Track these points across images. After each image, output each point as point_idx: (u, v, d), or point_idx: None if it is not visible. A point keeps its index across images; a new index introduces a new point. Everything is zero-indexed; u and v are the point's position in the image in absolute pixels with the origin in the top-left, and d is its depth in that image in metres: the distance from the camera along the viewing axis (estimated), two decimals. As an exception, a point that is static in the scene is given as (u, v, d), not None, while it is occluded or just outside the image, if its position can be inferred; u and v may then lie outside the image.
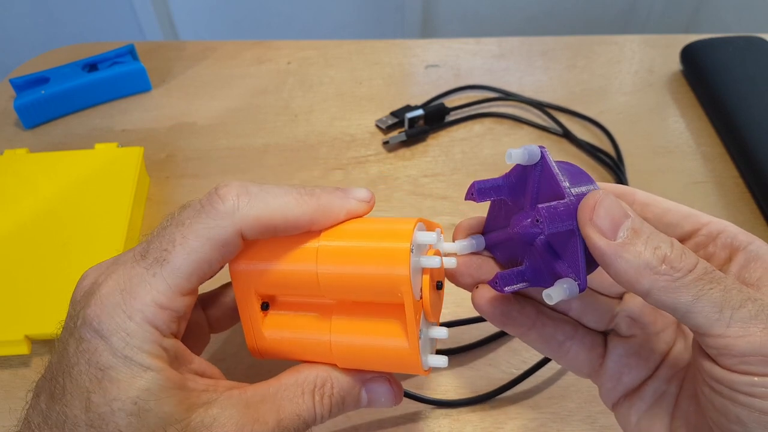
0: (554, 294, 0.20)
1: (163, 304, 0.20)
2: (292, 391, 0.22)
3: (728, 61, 0.52)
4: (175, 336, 0.22)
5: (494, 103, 0.52)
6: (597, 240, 0.19)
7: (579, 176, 0.22)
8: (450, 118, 0.51)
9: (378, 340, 0.23)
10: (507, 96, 0.53)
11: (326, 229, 0.23)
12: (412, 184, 0.46)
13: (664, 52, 0.58)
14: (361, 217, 0.24)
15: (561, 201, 0.20)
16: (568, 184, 0.21)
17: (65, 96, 0.51)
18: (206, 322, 0.27)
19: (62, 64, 0.53)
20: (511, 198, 0.23)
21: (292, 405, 0.22)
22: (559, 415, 0.33)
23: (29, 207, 0.41)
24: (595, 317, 0.25)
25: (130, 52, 0.54)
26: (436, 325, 0.26)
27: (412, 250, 0.22)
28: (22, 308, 0.36)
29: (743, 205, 0.44)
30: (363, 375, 0.24)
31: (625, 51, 0.58)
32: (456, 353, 0.35)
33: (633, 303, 0.24)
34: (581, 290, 0.20)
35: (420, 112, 0.49)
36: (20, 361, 0.35)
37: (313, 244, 0.23)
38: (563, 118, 0.51)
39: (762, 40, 0.54)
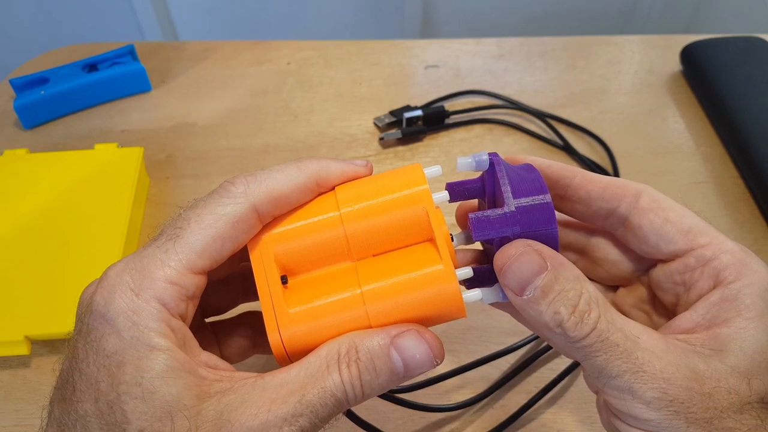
0: (485, 296, 0.22)
1: (172, 279, 0.20)
2: (316, 367, 0.20)
3: (728, 62, 0.52)
4: (183, 319, 0.21)
5: (494, 110, 0.52)
6: (507, 291, 0.21)
7: (531, 184, 0.22)
8: (449, 121, 0.51)
9: (410, 274, 0.21)
10: (508, 104, 0.52)
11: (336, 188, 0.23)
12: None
13: (663, 53, 0.58)
14: (361, 176, 0.24)
15: (497, 210, 0.22)
16: (510, 195, 0.22)
17: (65, 96, 0.51)
18: (218, 353, 0.26)
19: (62, 65, 0.53)
20: (485, 200, 0.24)
21: (317, 381, 0.20)
22: (559, 415, 0.33)
23: (29, 207, 0.41)
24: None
25: (130, 53, 0.54)
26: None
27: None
28: (22, 309, 0.36)
29: (743, 205, 0.44)
30: (389, 330, 0.21)
31: (625, 51, 0.58)
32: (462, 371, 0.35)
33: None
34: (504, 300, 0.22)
35: (419, 112, 0.49)
36: (20, 362, 0.35)
37: (331, 200, 0.23)
38: (563, 127, 0.51)
39: (762, 40, 0.54)
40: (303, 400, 0.19)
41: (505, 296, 0.22)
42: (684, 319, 0.22)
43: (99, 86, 0.52)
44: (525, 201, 0.21)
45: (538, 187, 0.22)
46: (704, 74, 0.52)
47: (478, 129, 0.50)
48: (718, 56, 0.52)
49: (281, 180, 0.22)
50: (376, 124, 0.51)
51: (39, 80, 0.51)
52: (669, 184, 0.46)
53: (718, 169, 0.47)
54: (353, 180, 0.24)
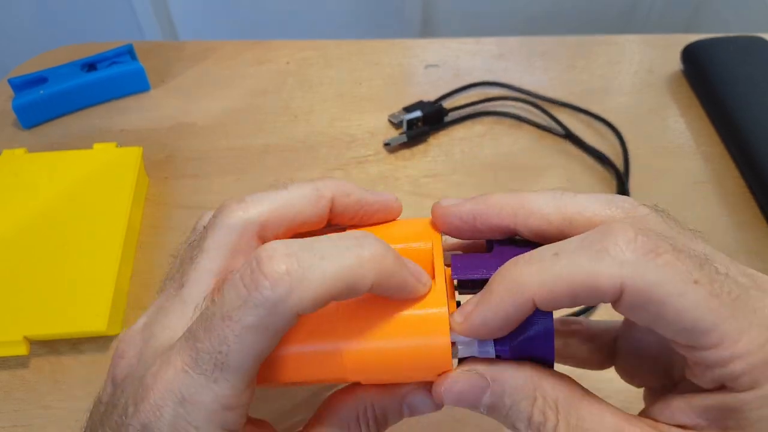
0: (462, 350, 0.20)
1: (231, 406, 0.18)
2: (338, 430, 0.21)
3: (729, 61, 0.52)
4: (245, 423, 0.19)
5: (495, 102, 0.52)
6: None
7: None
8: (449, 118, 0.51)
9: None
10: (509, 90, 0.52)
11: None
12: (412, 185, 0.46)
13: (664, 52, 0.57)
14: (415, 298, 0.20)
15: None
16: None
17: (64, 96, 0.51)
18: None
19: (61, 64, 0.53)
20: None
21: None
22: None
23: (28, 207, 0.41)
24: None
25: (129, 52, 0.54)
26: None
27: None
28: (21, 309, 0.35)
29: (744, 205, 0.44)
30: (401, 390, 0.21)
31: (625, 51, 0.58)
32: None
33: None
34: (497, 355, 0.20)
35: (418, 113, 0.49)
36: (18, 362, 0.35)
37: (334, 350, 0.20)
38: (565, 116, 0.51)
39: (763, 40, 0.54)
40: None
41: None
42: (677, 410, 0.18)
43: (98, 86, 0.52)
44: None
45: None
46: (705, 74, 0.52)
47: (478, 129, 0.50)
48: (719, 56, 0.52)
49: (334, 277, 0.17)
50: (390, 121, 0.51)
51: (38, 80, 0.51)
52: (669, 184, 0.46)
53: (718, 168, 0.47)
54: (369, 205, 0.22)
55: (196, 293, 0.20)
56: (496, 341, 0.19)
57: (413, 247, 0.22)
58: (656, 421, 0.18)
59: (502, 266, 0.19)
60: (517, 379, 0.19)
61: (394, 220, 0.23)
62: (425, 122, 0.50)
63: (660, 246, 0.17)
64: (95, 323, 0.35)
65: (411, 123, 0.49)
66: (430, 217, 0.23)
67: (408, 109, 0.50)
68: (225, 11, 1.15)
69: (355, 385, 0.22)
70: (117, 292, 0.37)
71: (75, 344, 0.36)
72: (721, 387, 0.17)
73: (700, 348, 0.17)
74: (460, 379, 0.19)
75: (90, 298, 0.36)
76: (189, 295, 0.20)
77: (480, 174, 0.47)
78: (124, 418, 0.18)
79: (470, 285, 0.21)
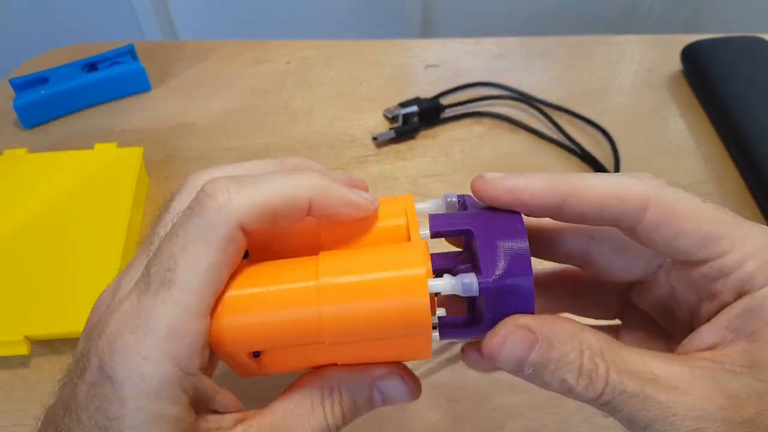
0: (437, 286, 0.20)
1: (180, 332, 0.18)
2: (301, 409, 0.20)
3: (729, 61, 0.52)
4: (203, 368, 0.19)
5: (493, 101, 0.52)
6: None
7: (510, 231, 0.20)
8: (445, 115, 0.51)
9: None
10: (509, 93, 0.53)
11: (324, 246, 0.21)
12: (412, 185, 0.46)
13: (664, 52, 0.57)
14: (364, 215, 0.21)
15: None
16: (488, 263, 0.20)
17: (65, 96, 0.51)
18: None
19: (62, 64, 0.53)
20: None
21: (303, 425, 0.20)
22: (559, 415, 0.33)
23: (29, 207, 0.41)
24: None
25: (130, 52, 0.54)
26: None
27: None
28: (22, 308, 0.36)
29: (744, 205, 0.44)
30: (372, 372, 0.21)
31: (625, 51, 0.58)
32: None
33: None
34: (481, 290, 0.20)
35: (414, 108, 0.49)
36: (19, 362, 0.35)
37: (310, 282, 0.20)
38: (563, 119, 0.51)
39: (763, 40, 0.54)
40: None
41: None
42: (705, 334, 0.19)
43: (99, 86, 0.52)
44: (502, 259, 0.20)
45: (517, 232, 0.20)
46: (705, 74, 0.52)
47: (478, 129, 0.50)
48: (719, 56, 0.52)
49: (270, 191, 0.19)
50: (385, 116, 0.51)
51: (39, 80, 0.51)
52: (669, 184, 0.46)
53: (718, 168, 0.47)
54: (349, 205, 0.21)
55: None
56: (479, 276, 0.20)
57: (387, 225, 0.22)
58: (689, 353, 0.19)
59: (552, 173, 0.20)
60: (563, 332, 0.19)
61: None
62: (421, 119, 0.50)
63: (676, 183, 0.20)
64: (96, 323, 0.35)
65: (406, 118, 0.49)
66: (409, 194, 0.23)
67: (403, 105, 0.50)
68: (225, 11, 1.14)
69: (327, 367, 0.22)
70: (118, 292, 0.37)
71: (76, 344, 0.36)
72: (740, 295, 0.19)
73: (717, 256, 0.19)
74: (509, 335, 0.19)
75: (91, 298, 0.36)
76: (154, 245, 0.21)
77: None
78: (85, 360, 0.19)
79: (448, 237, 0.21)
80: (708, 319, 0.20)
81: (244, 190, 0.19)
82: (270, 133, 0.50)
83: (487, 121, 0.51)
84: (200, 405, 0.20)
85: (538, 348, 0.19)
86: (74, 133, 0.50)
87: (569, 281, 0.26)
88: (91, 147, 0.45)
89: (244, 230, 0.19)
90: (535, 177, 0.20)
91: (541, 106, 0.51)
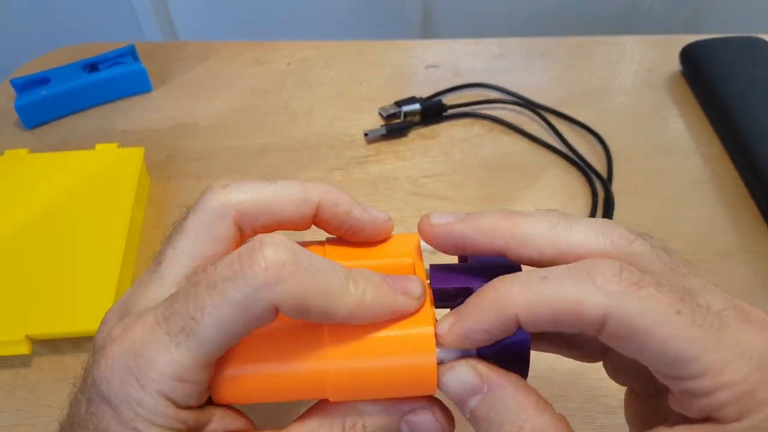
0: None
1: (184, 378, 0.18)
2: None
3: (728, 62, 0.52)
4: (197, 405, 0.19)
5: (492, 104, 0.52)
6: None
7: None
8: (447, 114, 0.51)
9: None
10: (507, 96, 0.53)
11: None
12: (412, 185, 0.46)
13: (663, 53, 0.58)
14: (406, 316, 0.20)
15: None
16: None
17: (66, 96, 0.51)
18: None
19: (63, 65, 0.53)
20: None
21: None
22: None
23: (30, 207, 0.41)
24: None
25: (131, 53, 0.54)
26: None
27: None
28: (23, 308, 0.36)
29: (743, 205, 0.44)
30: (401, 407, 0.20)
31: (625, 51, 0.58)
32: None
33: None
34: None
35: (417, 106, 0.50)
36: (21, 361, 0.36)
37: (319, 363, 0.19)
38: (561, 123, 0.51)
39: (762, 40, 0.54)
40: None
41: None
42: None
43: (100, 86, 0.52)
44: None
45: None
46: (704, 74, 0.52)
47: (478, 129, 0.50)
48: (718, 56, 0.52)
49: (319, 291, 0.18)
50: (380, 114, 0.51)
51: (40, 80, 0.51)
52: (669, 184, 0.46)
53: (717, 169, 0.47)
54: (358, 219, 0.21)
55: (173, 270, 0.20)
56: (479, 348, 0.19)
57: (394, 263, 0.21)
58: None
59: (488, 283, 0.19)
60: (512, 400, 0.18)
61: (382, 238, 0.22)
62: (423, 117, 0.50)
63: (643, 279, 0.17)
64: (98, 323, 0.34)
65: (407, 115, 0.50)
66: (416, 232, 0.22)
67: (400, 103, 0.51)
68: (225, 11, 1.14)
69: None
70: (119, 292, 0.37)
71: (77, 343, 0.36)
72: (707, 418, 0.17)
73: (685, 378, 0.17)
74: (459, 372, 0.19)
75: (92, 298, 0.36)
76: (166, 270, 0.20)
77: (480, 174, 0.47)
78: (88, 376, 0.18)
79: (449, 295, 0.21)
80: (663, 408, 0.19)
81: (298, 277, 0.17)
82: (270, 133, 0.50)
83: (486, 121, 0.51)
84: (198, 430, 0.19)
85: (480, 399, 0.18)
86: (75, 134, 0.51)
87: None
88: (92, 147, 0.45)
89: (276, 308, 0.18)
90: (478, 315, 0.18)
91: (540, 111, 0.51)
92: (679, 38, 0.57)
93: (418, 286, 0.20)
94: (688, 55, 0.54)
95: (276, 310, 0.18)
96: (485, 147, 0.49)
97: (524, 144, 0.49)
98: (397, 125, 0.49)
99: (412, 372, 0.19)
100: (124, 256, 0.38)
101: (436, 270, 0.21)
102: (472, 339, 0.19)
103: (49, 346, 0.36)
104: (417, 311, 0.20)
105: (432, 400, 0.20)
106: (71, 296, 0.36)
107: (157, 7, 1.10)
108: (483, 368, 0.19)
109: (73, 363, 0.36)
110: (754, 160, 0.44)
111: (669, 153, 0.48)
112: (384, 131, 0.49)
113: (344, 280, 0.18)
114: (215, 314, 0.17)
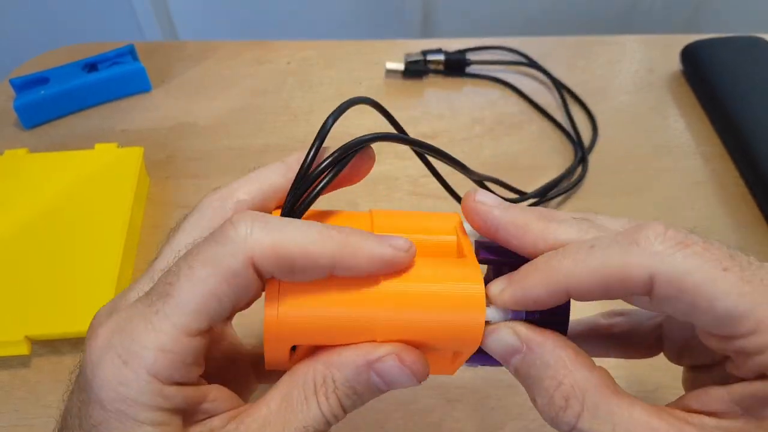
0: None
1: (165, 347, 0.17)
2: (295, 399, 0.19)
3: (729, 61, 0.52)
4: (185, 381, 0.19)
5: (516, 67, 0.55)
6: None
7: None
8: (469, 70, 0.54)
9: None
10: (525, 59, 0.55)
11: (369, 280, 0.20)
12: (412, 184, 0.46)
13: (664, 52, 0.58)
14: (397, 269, 0.20)
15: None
16: None
17: (65, 96, 0.51)
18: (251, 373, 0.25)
19: (62, 65, 0.53)
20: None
21: (296, 416, 0.19)
22: (559, 415, 0.33)
23: (29, 207, 0.41)
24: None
25: (130, 53, 0.54)
26: None
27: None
28: (22, 309, 0.36)
29: (744, 205, 0.44)
30: (367, 355, 0.19)
31: (626, 51, 0.58)
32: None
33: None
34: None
35: (441, 56, 0.53)
36: (20, 362, 0.35)
37: (371, 287, 0.19)
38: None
39: (763, 40, 0.54)
40: None
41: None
42: (714, 398, 0.18)
43: (99, 86, 0.52)
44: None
45: None
46: (705, 74, 0.52)
47: (478, 129, 0.50)
48: (719, 56, 0.52)
49: (293, 238, 0.18)
50: (406, 59, 0.54)
51: (39, 80, 0.51)
52: (669, 184, 0.46)
53: (718, 169, 0.47)
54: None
55: (165, 265, 0.20)
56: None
57: (437, 239, 0.22)
58: (689, 410, 0.18)
59: (542, 255, 0.19)
60: (551, 356, 0.19)
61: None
62: (446, 67, 0.53)
63: (689, 237, 0.17)
64: (96, 323, 0.35)
65: (430, 63, 0.53)
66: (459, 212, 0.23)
67: (425, 53, 0.54)
68: (225, 11, 1.14)
69: (321, 351, 0.20)
70: (118, 292, 0.36)
71: (76, 344, 0.36)
72: (762, 376, 0.17)
73: (737, 336, 0.16)
74: (501, 334, 0.20)
75: (91, 298, 0.36)
76: (159, 266, 0.21)
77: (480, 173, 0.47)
78: (78, 365, 0.19)
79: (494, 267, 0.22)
80: (731, 372, 0.18)
81: (268, 229, 0.18)
82: (270, 133, 0.50)
83: (488, 119, 0.51)
84: (189, 411, 0.19)
85: (521, 358, 0.19)
86: (74, 134, 0.50)
87: (604, 331, 0.25)
88: (91, 147, 0.45)
89: (258, 271, 0.18)
90: (530, 281, 0.19)
91: (553, 78, 0.53)
92: (679, 38, 0.57)
93: (404, 241, 0.20)
94: (689, 54, 0.54)
95: (253, 267, 0.18)
96: (485, 146, 0.49)
97: (525, 144, 0.49)
98: (416, 66, 0.51)
99: (460, 327, 0.20)
100: (123, 256, 0.38)
101: (480, 243, 0.22)
102: (520, 305, 0.19)
103: (48, 346, 0.36)
104: (409, 265, 0.20)
105: (400, 346, 0.20)
106: (70, 296, 0.36)
107: (157, 6, 1.10)
108: (522, 329, 0.19)
109: (73, 363, 0.35)
110: (755, 160, 0.44)
111: (669, 153, 0.48)
112: (402, 67, 0.51)
113: (324, 228, 0.19)
114: (189, 275, 0.18)
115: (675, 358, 0.23)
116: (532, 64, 0.55)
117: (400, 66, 0.51)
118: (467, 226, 0.22)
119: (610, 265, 0.17)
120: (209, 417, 0.20)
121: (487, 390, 0.33)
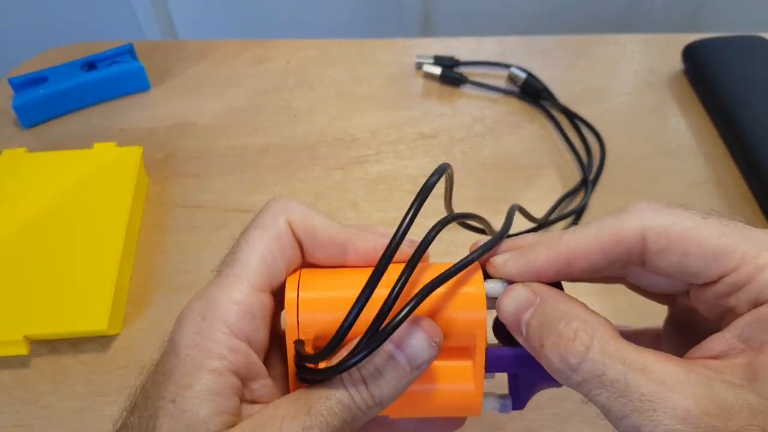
0: (485, 404, 0.23)
1: (236, 300, 0.20)
2: (323, 384, 0.20)
3: (730, 61, 0.52)
4: (251, 342, 0.21)
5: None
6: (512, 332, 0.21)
7: None
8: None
9: (440, 384, 0.22)
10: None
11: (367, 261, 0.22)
12: (412, 184, 0.46)
13: (665, 52, 0.57)
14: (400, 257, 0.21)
15: (511, 350, 0.22)
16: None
17: (64, 95, 0.51)
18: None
19: (61, 64, 0.53)
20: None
21: (322, 392, 0.20)
22: (559, 415, 0.32)
23: (28, 206, 0.41)
24: None
25: (129, 52, 0.54)
26: None
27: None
28: (22, 308, 0.36)
29: (745, 205, 0.44)
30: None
31: (626, 50, 0.58)
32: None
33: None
34: (510, 410, 0.23)
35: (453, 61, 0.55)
36: (19, 362, 0.35)
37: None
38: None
39: (764, 39, 0.54)
40: (311, 412, 0.19)
41: (502, 408, 0.23)
42: (716, 341, 0.19)
43: (98, 85, 0.52)
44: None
45: None
46: (706, 73, 0.52)
47: (478, 128, 0.50)
48: (720, 55, 0.52)
49: (317, 216, 0.22)
50: (418, 62, 0.55)
51: (38, 79, 0.51)
52: (670, 184, 0.46)
53: (719, 169, 0.47)
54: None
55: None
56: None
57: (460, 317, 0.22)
58: (693, 358, 0.19)
59: (547, 236, 0.21)
60: (562, 305, 0.20)
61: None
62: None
63: (671, 205, 0.20)
64: (96, 323, 0.35)
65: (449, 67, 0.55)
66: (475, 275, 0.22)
67: (438, 59, 0.55)
68: (225, 11, 1.14)
69: None
70: (117, 292, 0.37)
71: (76, 344, 0.36)
72: (755, 306, 0.18)
73: (728, 272, 0.18)
74: (516, 290, 0.21)
75: (91, 298, 0.36)
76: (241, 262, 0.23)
77: (480, 174, 0.47)
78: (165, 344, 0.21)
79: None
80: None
81: (299, 206, 0.22)
82: (270, 132, 0.50)
83: (489, 119, 0.51)
84: (246, 380, 0.21)
85: (533, 309, 0.20)
86: (73, 133, 0.50)
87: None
88: (90, 146, 0.45)
89: (297, 235, 0.22)
90: (534, 253, 0.21)
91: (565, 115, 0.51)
92: (680, 37, 0.57)
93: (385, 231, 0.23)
94: (690, 54, 0.54)
95: (291, 230, 0.22)
96: (485, 146, 0.49)
97: (524, 144, 0.49)
98: (450, 73, 0.54)
99: (462, 298, 0.21)
100: (122, 256, 0.38)
101: (492, 354, 0.22)
102: (523, 275, 0.21)
103: (47, 346, 0.36)
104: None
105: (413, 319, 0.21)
106: (70, 296, 0.36)
107: (157, 6, 1.10)
108: (535, 285, 0.21)
109: (72, 363, 0.35)
110: (757, 161, 0.44)
111: (670, 153, 0.48)
112: (439, 70, 0.53)
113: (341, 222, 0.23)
114: (246, 238, 0.22)
115: (634, 286, 0.24)
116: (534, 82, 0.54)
117: (437, 70, 0.53)
118: (490, 290, 0.22)
119: (606, 230, 0.20)
120: (255, 403, 0.21)
121: (486, 390, 0.33)
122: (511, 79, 0.53)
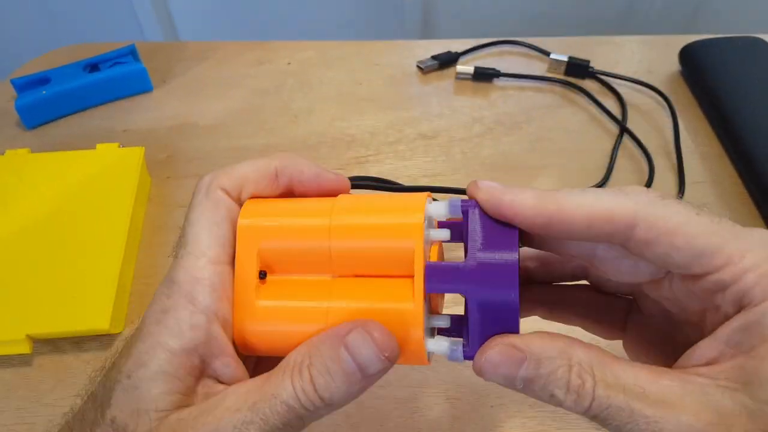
0: (433, 347, 0.21)
1: (196, 275, 0.21)
2: (275, 376, 0.20)
3: (727, 62, 0.52)
4: (215, 318, 0.21)
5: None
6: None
7: (502, 239, 0.20)
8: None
9: (379, 304, 0.21)
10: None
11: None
12: (412, 185, 0.46)
13: (662, 52, 0.58)
14: (332, 185, 0.24)
15: (455, 263, 0.20)
16: (475, 248, 0.20)
17: (66, 96, 0.51)
18: None
19: (63, 65, 0.53)
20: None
21: (270, 388, 0.20)
22: (557, 413, 0.33)
23: (30, 207, 0.41)
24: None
25: (131, 53, 0.54)
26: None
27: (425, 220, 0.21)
28: (24, 307, 0.36)
29: (741, 205, 0.44)
30: (338, 332, 0.20)
31: (624, 51, 0.59)
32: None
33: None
34: (465, 359, 0.21)
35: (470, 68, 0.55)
36: (22, 361, 0.36)
37: (328, 205, 0.23)
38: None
39: (761, 40, 0.54)
40: (254, 408, 0.19)
41: (453, 356, 0.21)
42: (704, 348, 0.19)
43: (100, 86, 0.52)
44: (488, 257, 0.20)
45: (508, 242, 0.20)
46: (703, 74, 0.52)
47: (478, 128, 0.51)
48: (717, 56, 0.53)
49: (244, 165, 0.24)
50: (419, 66, 0.56)
51: (40, 80, 0.51)
52: (668, 184, 0.46)
53: (716, 168, 0.47)
54: (323, 179, 0.24)
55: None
56: (465, 343, 0.21)
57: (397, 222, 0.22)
58: (685, 368, 0.19)
59: (542, 191, 0.21)
60: (552, 349, 0.19)
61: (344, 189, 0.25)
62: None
63: (667, 195, 0.20)
64: (98, 322, 0.35)
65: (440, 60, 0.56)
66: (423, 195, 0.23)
67: (435, 58, 0.56)
68: (225, 11, 1.15)
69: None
70: (120, 291, 0.37)
71: (78, 343, 0.36)
72: (740, 308, 0.18)
73: (712, 271, 0.19)
74: (496, 355, 0.20)
75: (93, 297, 0.36)
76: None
77: (480, 174, 0.47)
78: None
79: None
80: (711, 331, 0.19)
81: (225, 168, 0.24)
82: (270, 133, 0.50)
83: (488, 119, 0.51)
84: (208, 355, 0.21)
85: (526, 366, 0.19)
86: (76, 134, 0.51)
87: (576, 299, 0.26)
88: (92, 147, 0.46)
89: (228, 193, 0.23)
90: (523, 193, 0.20)
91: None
92: (678, 38, 0.57)
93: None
94: (688, 55, 0.54)
95: (224, 191, 0.23)
96: (485, 146, 0.49)
97: (524, 144, 0.49)
98: (447, 56, 0.56)
99: (398, 227, 0.21)
100: (124, 256, 0.38)
101: (432, 270, 0.21)
102: (504, 211, 0.20)
103: (50, 345, 0.36)
104: (342, 186, 0.24)
105: (369, 322, 0.20)
106: (72, 295, 0.36)
107: (158, 7, 1.10)
108: (515, 340, 0.20)
109: (74, 362, 0.36)
110: (753, 161, 0.44)
111: (668, 153, 0.48)
112: (472, 69, 0.54)
113: (264, 156, 0.25)
114: (190, 219, 0.22)
115: (633, 354, 0.25)
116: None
117: (470, 68, 0.54)
118: (431, 211, 0.22)
119: (599, 204, 0.20)
120: (221, 383, 0.21)
121: (486, 389, 0.33)
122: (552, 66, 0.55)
